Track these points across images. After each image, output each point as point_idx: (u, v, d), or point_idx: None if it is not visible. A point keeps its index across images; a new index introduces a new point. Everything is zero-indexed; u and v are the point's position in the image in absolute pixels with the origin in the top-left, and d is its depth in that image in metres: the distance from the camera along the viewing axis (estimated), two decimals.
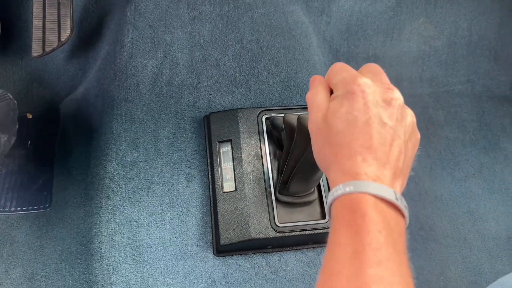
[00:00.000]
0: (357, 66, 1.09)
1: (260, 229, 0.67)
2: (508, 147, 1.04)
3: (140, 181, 0.71)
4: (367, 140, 0.37)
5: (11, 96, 0.79)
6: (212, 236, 0.70)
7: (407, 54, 1.10)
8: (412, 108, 1.11)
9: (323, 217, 0.70)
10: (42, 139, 0.90)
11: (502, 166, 1.01)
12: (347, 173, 0.37)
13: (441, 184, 0.96)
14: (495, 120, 1.08)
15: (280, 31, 0.88)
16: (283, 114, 0.65)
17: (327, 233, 0.69)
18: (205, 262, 0.69)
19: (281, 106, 0.76)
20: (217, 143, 0.73)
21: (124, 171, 0.72)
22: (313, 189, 0.70)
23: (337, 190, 0.37)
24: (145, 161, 0.73)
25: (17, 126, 0.82)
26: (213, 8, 0.88)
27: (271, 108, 0.75)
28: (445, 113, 1.07)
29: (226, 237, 0.68)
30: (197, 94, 0.79)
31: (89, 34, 0.92)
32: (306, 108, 0.65)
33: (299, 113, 0.60)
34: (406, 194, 0.95)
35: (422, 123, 1.04)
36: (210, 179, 0.73)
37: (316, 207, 0.71)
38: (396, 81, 1.08)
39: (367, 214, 0.34)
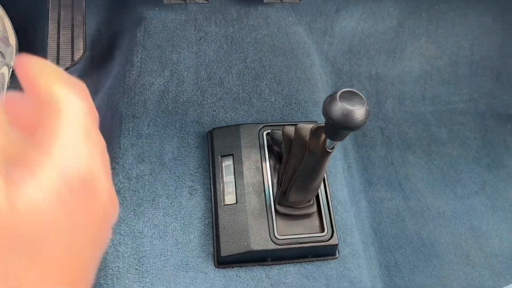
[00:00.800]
0: (359, 85, 1.12)
1: (259, 241, 0.69)
2: (511, 164, 1.05)
3: (145, 193, 0.74)
4: None
5: None
6: (213, 248, 0.72)
7: (409, 73, 1.13)
8: (415, 126, 1.13)
9: (322, 230, 0.71)
10: None
11: (506, 183, 1.01)
12: None
13: (444, 200, 0.97)
14: (498, 138, 1.09)
15: (282, 51, 0.91)
16: None
17: (326, 246, 0.71)
18: (206, 273, 0.70)
19: (281, 122, 0.78)
20: (220, 157, 0.76)
21: (129, 183, 0.74)
22: (312, 201, 0.71)
23: None
24: (150, 175, 0.76)
25: None
26: (219, 29, 0.92)
27: (272, 123, 0.77)
28: (447, 131, 1.09)
29: (227, 249, 0.69)
30: (202, 110, 0.82)
31: (101, 54, 0.97)
32: (305, 122, 0.68)
33: None
34: (407, 209, 0.96)
35: (425, 141, 1.06)
36: (212, 192, 0.75)
37: (315, 220, 0.72)
38: (398, 100, 1.10)
39: None
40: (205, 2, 0.90)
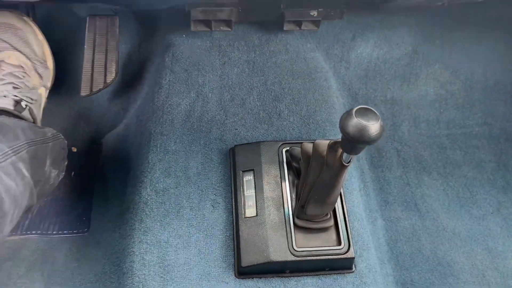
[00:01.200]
0: (375, 108, 1.17)
1: (278, 252, 0.72)
2: None
3: (170, 205, 0.79)
4: None
5: (62, 136, 0.90)
6: (234, 259, 0.75)
7: (424, 98, 1.16)
8: (430, 148, 1.15)
9: (339, 243, 0.74)
10: (84, 170, 1.00)
11: None
12: None
13: (459, 221, 0.98)
14: None
15: (301, 75, 0.97)
16: None
17: (343, 259, 0.74)
18: (227, 283, 0.73)
19: (300, 140, 0.82)
20: (241, 172, 0.80)
21: (157, 196, 0.79)
22: (329, 215, 0.75)
23: None
24: (176, 188, 0.80)
25: (66, 163, 0.93)
26: (241, 54, 0.98)
27: (291, 141, 0.82)
28: (463, 154, 1.11)
29: (247, 259, 0.73)
30: (224, 129, 0.87)
31: (131, 77, 1.04)
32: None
33: None
34: (423, 229, 0.97)
35: (440, 163, 1.08)
36: (233, 205, 0.79)
37: (332, 233, 0.75)
38: (414, 123, 1.14)
39: None
40: (229, 29, 0.97)
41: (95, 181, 0.97)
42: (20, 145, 0.68)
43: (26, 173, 0.67)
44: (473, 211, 1.00)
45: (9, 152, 0.64)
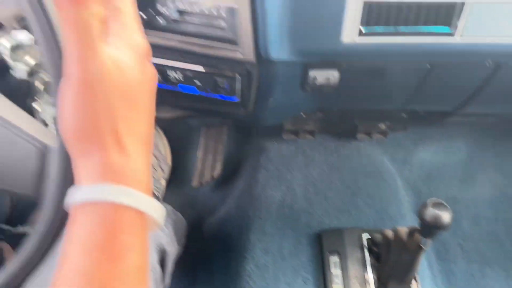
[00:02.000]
0: None
1: None
2: None
3: (269, 279, 0.95)
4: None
5: (184, 218, 1.12)
6: None
7: (481, 198, 1.30)
8: (491, 243, 1.26)
9: None
10: (187, 250, 1.19)
11: None
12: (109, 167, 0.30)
13: None
14: None
15: (372, 175, 1.16)
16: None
17: None
18: None
19: (376, 228, 0.99)
20: (328, 253, 0.96)
21: (258, 270, 0.96)
22: None
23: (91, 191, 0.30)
24: (273, 264, 0.97)
25: (184, 241, 1.12)
26: (322, 157, 1.20)
27: (370, 229, 0.98)
28: None
29: None
30: (311, 217, 1.06)
31: (230, 173, 1.27)
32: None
33: None
34: None
35: (501, 257, 1.18)
36: (322, 281, 0.94)
37: None
38: (474, 220, 1.26)
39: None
40: (312, 138, 1.20)
41: (199, 258, 1.15)
42: (168, 220, 0.89)
43: (175, 240, 0.88)
44: None
45: (167, 224, 0.85)
